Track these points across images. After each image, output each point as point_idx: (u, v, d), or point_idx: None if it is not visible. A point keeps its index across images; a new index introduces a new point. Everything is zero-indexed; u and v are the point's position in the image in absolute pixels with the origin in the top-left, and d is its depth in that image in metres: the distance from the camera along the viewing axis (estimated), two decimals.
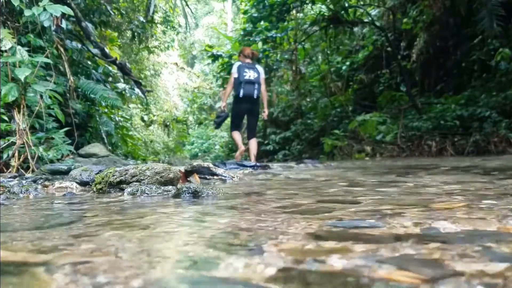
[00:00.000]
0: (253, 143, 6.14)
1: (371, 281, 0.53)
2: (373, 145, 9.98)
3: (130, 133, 11.33)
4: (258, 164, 5.03)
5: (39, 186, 2.38)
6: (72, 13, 4.61)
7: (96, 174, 2.28)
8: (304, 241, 0.78)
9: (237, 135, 6.25)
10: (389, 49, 12.07)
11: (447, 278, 0.53)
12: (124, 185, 2.06)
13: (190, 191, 1.73)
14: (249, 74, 5.81)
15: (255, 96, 5.87)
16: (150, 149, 17.12)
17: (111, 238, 0.85)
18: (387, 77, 12.67)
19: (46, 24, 4.39)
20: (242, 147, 6.13)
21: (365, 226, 0.92)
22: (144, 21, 11.27)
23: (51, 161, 3.79)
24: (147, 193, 1.91)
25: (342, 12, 11.47)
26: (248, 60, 6.08)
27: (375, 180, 2.53)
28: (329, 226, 0.93)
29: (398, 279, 0.53)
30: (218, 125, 6.99)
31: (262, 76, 6.04)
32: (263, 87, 6.02)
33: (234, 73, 5.95)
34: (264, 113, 6.33)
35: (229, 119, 6.59)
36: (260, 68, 6.12)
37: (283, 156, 13.20)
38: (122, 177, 2.09)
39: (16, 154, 3.67)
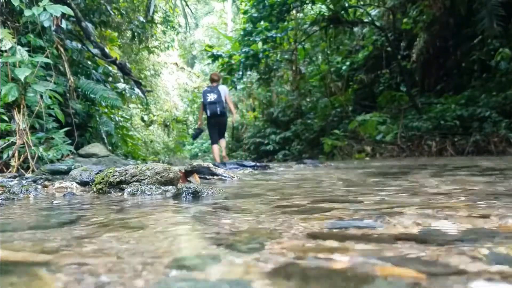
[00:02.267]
0: (222, 142, 7.65)
1: (371, 279, 0.53)
2: (373, 145, 9.98)
3: (130, 133, 11.33)
4: (258, 164, 5.03)
5: (39, 186, 2.38)
6: (72, 13, 4.61)
7: (96, 174, 2.28)
8: (304, 240, 0.78)
9: (215, 149, 7.61)
10: (389, 49, 12.07)
11: (447, 276, 0.53)
12: (124, 185, 2.06)
13: (190, 191, 1.73)
14: (210, 97, 7.25)
15: (218, 112, 7.24)
16: (150, 149, 17.11)
17: (111, 238, 0.85)
18: (387, 77, 12.68)
19: (46, 24, 4.39)
20: (217, 160, 7.34)
21: (365, 225, 0.92)
22: (144, 21, 11.27)
23: (51, 161, 3.79)
24: (147, 193, 1.91)
25: (342, 12, 11.47)
26: (214, 84, 7.47)
27: (375, 180, 2.53)
28: (329, 225, 0.93)
29: (398, 277, 0.53)
30: (194, 138, 8.71)
31: (225, 93, 7.36)
32: (229, 100, 7.45)
33: (202, 98, 7.52)
34: (233, 118, 7.92)
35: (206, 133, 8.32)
36: (221, 88, 7.41)
37: (283, 156, 13.20)
38: (122, 177, 2.09)
39: (16, 154, 3.67)
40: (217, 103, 7.14)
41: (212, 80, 7.57)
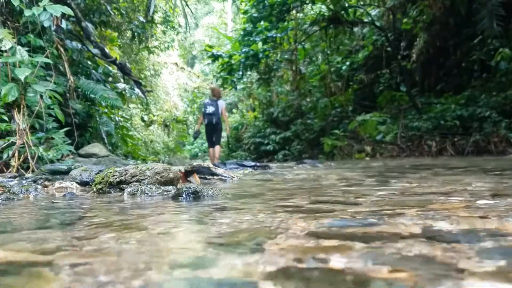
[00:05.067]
0: (217, 149, 9.12)
1: (370, 278, 0.53)
2: (373, 145, 9.98)
3: (130, 133, 11.32)
4: (258, 164, 5.04)
5: (39, 186, 2.38)
6: (72, 13, 4.61)
7: (96, 174, 2.28)
8: (303, 240, 0.78)
9: (211, 151, 9.19)
10: (389, 49, 12.07)
11: (446, 275, 0.53)
12: (124, 185, 2.06)
13: (190, 191, 1.73)
14: (209, 109, 8.80)
15: (214, 122, 8.84)
16: (150, 149, 17.09)
17: (111, 239, 0.85)
18: (387, 77, 12.67)
19: (46, 24, 4.39)
20: (213, 160, 8.89)
21: (365, 225, 0.92)
22: (144, 21, 11.25)
23: (51, 161, 3.79)
24: (147, 193, 1.91)
25: (342, 12, 11.47)
26: (214, 97, 9.04)
27: (375, 180, 2.53)
28: (329, 225, 0.93)
29: (397, 276, 0.53)
30: (194, 138, 10.68)
31: (222, 107, 8.91)
32: (224, 114, 9.03)
33: (201, 109, 9.20)
34: (227, 130, 9.65)
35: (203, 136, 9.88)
36: (220, 102, 8.93)
37: (283, 156, 13.20)
38: (122, 177, 2.09)
39: (16, 154, 3.67)
40: (213, 115, 8.78)
41: (213, 94, 9.18)
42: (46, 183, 2.52)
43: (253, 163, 4.97)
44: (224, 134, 10.34)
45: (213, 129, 9.00)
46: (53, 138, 4.26)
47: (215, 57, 13.99)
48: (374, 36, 12.91)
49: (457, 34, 10.37)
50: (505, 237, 0.76)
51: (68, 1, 5.47)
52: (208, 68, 24.01)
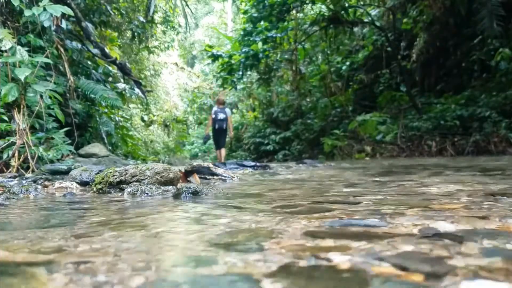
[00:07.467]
0: (222, 151, 10.15)
1: (370, 277, 0.53)
2: (373, 145, 9.98)
3: (130, 133, 11.32)
4: (258, 164, 5.03)
5: (39, 186, 2.38)
6: (72, 13, 4.61)
7: (96, 174, 2.28)
8: (303, 239, 0.78)
9: (218, 153, 10.27)
10: (389, 49, 12.07)
11: (445, 275, 0.53)
12: (124, 185, 2.06)
13: (190, 191, 1.73)
14: (220, 116, 9.84)
15: (223, 128, 9.92)
16: (150, 149, 17.09)
17: (111, 238, 0.85)
18: (387, 77, 12.67)
19: (46, 24, 4.39)
20: (221, 160, 9.90)
21: (365, 225, 0.92)
22: (144, 21, 11.26)
23: (51, 161, 3.79)
24: (147, 193, 1.91)
25: (342, 12, 11.47)
26: (221, 106, 10.08)
27: (375, 180, 2.53)
28: (329, 225, 0.93)
29: (397, 275, 0.53)
30: (205, 142, 12.46)
31: (229, 115, 10.05)
32: (229, 120, 10.04)
33: (212, 115, 9.97)
34: (230, 135, 10.50)
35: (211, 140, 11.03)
36: (227, 110, 10.14)
37: (283, 156, 13.20)
38: (122, 177, 2.09)
39: (16, 154, 3.67)
40: (223, 121, 9.84)
41: (220, 103, 10.17)
42: (46, 183, 2.51)
43: (253, 163, 4.96)
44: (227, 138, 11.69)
45: (221, 134, 10.05)
46: (53, 138, 4.26)
47: (215, 57, 14.00)
48: (374, 36, 12.92)
49: (457, 34, 10.38)
50: (506, 237, 0.76)
51: (68, 1, 5.47)
52: (208, 68, 24.02)
